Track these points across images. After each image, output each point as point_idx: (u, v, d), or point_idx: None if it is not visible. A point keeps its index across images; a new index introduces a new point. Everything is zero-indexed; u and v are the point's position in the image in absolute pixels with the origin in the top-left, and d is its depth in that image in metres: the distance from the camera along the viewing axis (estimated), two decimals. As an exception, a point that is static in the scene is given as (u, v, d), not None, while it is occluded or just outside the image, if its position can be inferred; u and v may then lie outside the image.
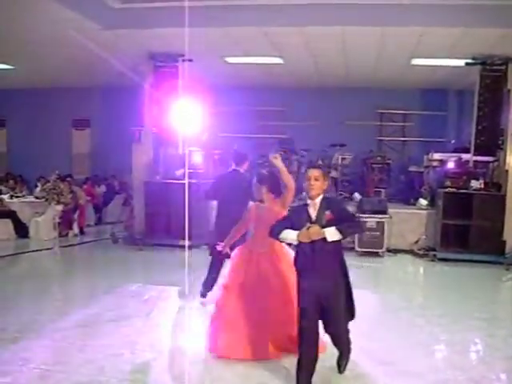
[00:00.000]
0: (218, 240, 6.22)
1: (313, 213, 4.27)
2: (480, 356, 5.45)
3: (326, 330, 4.45)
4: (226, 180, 7.32)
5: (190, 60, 10.80)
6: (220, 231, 6.47)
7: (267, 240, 4.75)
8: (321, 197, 4.30)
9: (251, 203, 5.57)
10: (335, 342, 4.60)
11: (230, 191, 6.94)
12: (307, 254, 4.26)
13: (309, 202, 4.32)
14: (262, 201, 5.39)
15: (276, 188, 5.38)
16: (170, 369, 4.83)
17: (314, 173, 4.31)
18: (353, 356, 4.85)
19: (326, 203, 4.28)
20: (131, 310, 6.69)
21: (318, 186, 4.28)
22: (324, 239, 4.10)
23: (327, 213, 4.19)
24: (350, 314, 4.54)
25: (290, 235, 4.23)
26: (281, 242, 4.49)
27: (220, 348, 5.04)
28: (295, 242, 4.25)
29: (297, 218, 4.32)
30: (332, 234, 4.10)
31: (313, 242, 4.13)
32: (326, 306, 4.24)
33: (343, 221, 4.18)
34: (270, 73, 13.51)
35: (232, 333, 5.02)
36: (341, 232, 4.10)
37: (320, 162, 12.64)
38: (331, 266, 4.30)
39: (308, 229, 4.10)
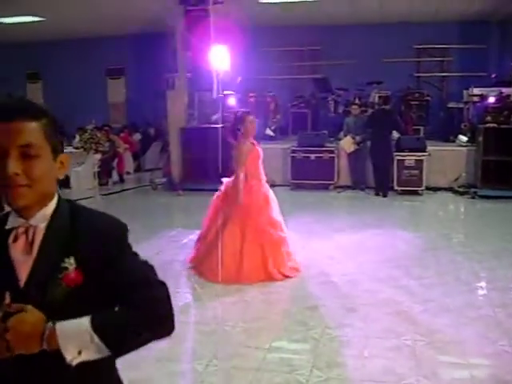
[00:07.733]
0: (378, 158, 10.44)
1: (22, 261, 1.36)
2: (521, 292, 5.41)
3: None
4: (378, 115, 10.71)
5: (221, 2, 10.63)
6: (377, 152, 10.42)
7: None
8: (52, 206, 1.42)
9: None
10: None
11: (381, 124, 10.29)
12: None
13: (13, 221, 1.39)
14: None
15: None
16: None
17: (13, 133, 1.31)
18: (393, 294, 4.87)
19: (67, 231, 1.40)
20: (171, 255, 6.83)
21: (36, 170, 1.34)
22: (55, 355, 1.26)
23: (68, 265, 1.34)
24: None
25: None
26: None
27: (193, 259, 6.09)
28: None
29: None
30: (75, 341, 1.27)
31: (21, 358, 1.27)
32: None
33: (119, 293, 1.40)
34: (303, 11, 13.17)
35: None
36: (105, 338, 1.28)
37: (357, 101, 12.50)
38: None
39: (3, 319, 1.24)
